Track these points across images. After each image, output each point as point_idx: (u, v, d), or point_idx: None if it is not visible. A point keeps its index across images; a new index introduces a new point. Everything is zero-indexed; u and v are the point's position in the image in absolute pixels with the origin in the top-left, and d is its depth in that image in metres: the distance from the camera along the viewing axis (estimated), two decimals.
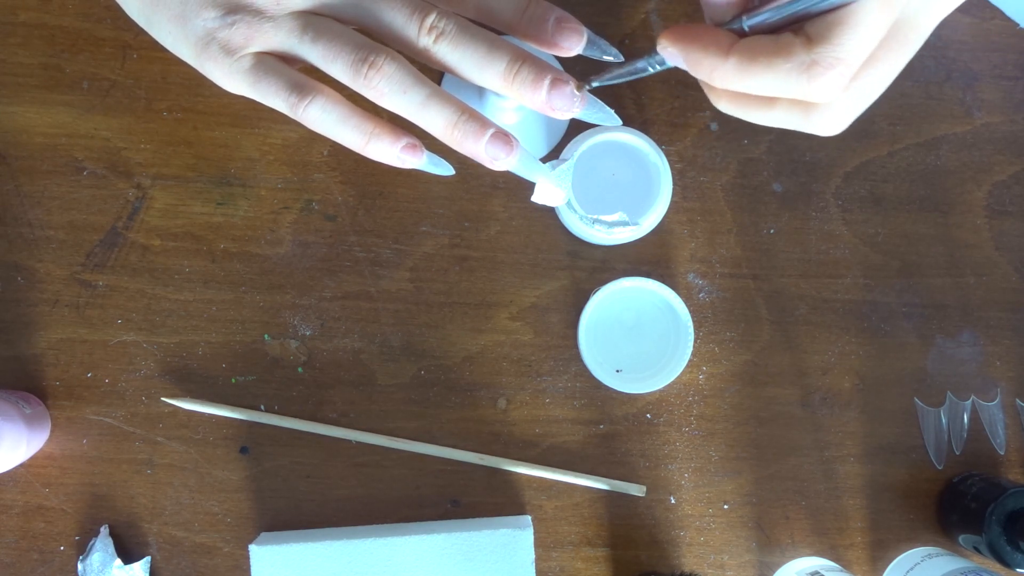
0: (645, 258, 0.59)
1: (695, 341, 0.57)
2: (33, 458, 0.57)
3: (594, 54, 0.44)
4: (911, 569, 0.56)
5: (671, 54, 0.40)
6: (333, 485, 0.58)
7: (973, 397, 0.60)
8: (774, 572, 0.59)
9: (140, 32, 0.50)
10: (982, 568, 0.53)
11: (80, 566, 0.56)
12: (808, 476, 0.60)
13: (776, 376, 0.60)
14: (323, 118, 0.44)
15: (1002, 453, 0.60)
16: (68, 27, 0.57)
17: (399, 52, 0.43)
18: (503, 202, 0.59)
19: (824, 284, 0.60)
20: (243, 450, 0.58)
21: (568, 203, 0.54)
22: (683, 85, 0.60)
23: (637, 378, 0.57)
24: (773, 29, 0.39)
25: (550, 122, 0.59)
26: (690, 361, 0.58)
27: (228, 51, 0.44)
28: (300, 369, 0.58)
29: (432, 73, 0.56)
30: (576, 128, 0.58)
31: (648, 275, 0.57)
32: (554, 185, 0.46)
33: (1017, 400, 0.60)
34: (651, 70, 0.42)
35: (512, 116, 0.56)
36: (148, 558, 0.57)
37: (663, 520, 0.59)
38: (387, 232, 0.59)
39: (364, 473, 0.58)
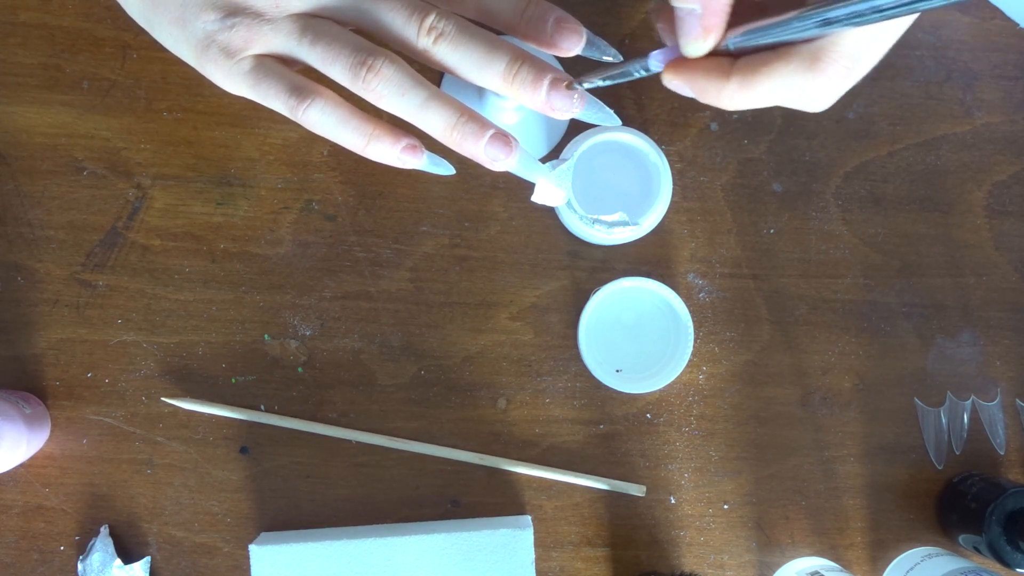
0: (645, 258, 0.59)
1: (695, 341, 0.57)
2: (33, 458, 0.57)
3: (593, 54, 0.44)
4: (911, 569, 0.56)
5: (677, 86, 0.41)
6: (333, 485, 0.58)
7: (973, 397, 0.60)
8: (774, 572, 0.59)
9: (140, 32, 0.50)
10: (982, 568, 0.53)
11: (80, 566, 0.56)
12: (808, 476, 0.60)
13: (776, 376, 0.60)
14: (323, 120, 0.44)
15: (1002, 453, 0.60)
16: (68, 27, 0.57)
17: (399, 53, 0.43)
18: (503, 202, 0.59)
19: (824, 284, 0.60)
20: (243, 450, 0.58)
21: (568, 203, 0.54)
22: None
23: (637, 378, 0.57)
24: (758, 51, 0.39)
25: (550, 122, 0.59)
26: (690, 361, 0.58)
27: (228, 53, 0.44)
28: (300, 369, 0.58)
29: (432, 74, 0.56)
30: (576, 128, 0.58)
31: (648, 275, 0.57)
32: (554, 185, 0.46)
33: (1017, 400, 0.60)
34: (636, 75, 0.43)
35: (512, 116, 0.56)
36: (148, 558, 0.57)
37: (663, 520, 0.59)
38: (387, 232, 0.59)
39: (364, 473, 0.58)
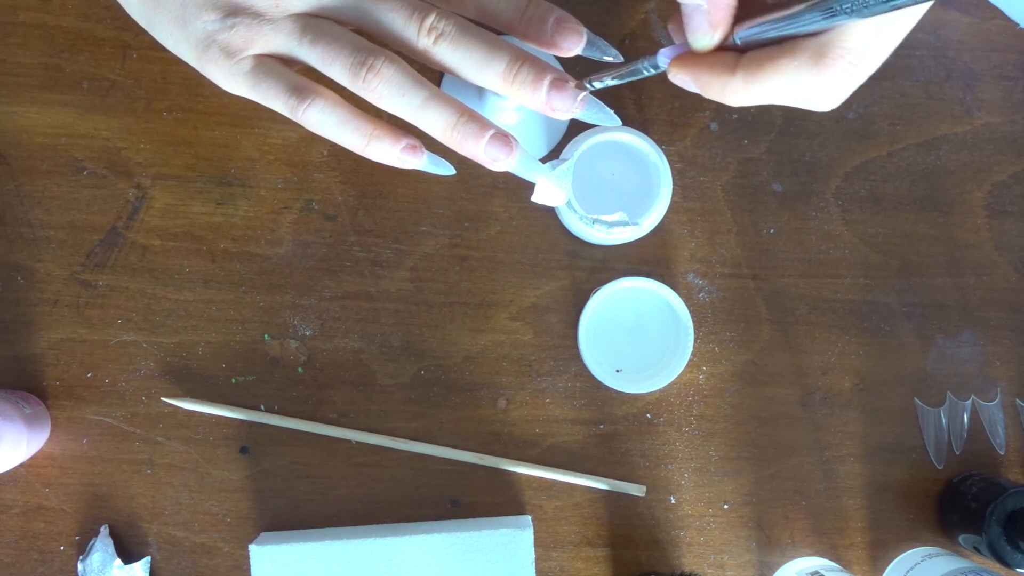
0: (645, 258, 0.59)
1: (695, 341, 0.57)
2: (33, 458, 0.57)
3: (594, 55, 0.44)
4: (911, 569, 0.56)
5: (682, 80, 0.41)
6: (333, 485, 0.58)
7: (973, 397, 0.60)
8: (774, 572, 0.59)
9: (140, 32, 0.50)
10: (982, 568, 0.53)
11: (80, 566, 0.56)
12: (808, 476, 0.60)
13: (776, 376, 0.60)
14: (323, 120, 0.44)
15: (1002, 453, 0.60)
16: (68, 27, 0.57)
17: (399, 53, 0.43)
18: (503, 202, 0.59)
19: (824, 284, 0.60)
20: (243, 450, 0.58)
21: (568, 203, 0.54)
22: None
23: (637, 378, 0.57)
24: (764, 45, 0.39)
25: (550, 122, 0.59)
26: (690, 361, 0.58)
27: (228, 53, 0.44)
28: (300, 369, 0.58)
29: (432, 74, 0.56)
30: (576, 128, 0.58)
31: (648, 275, 0.57)
32: (554, 185, 0.46)
33: (1017, 400, 0.60)
34: (645, 73, 0.42)
35: (512, 116, 0.56)
36: (148, 558, 0.57)
37: (663, 520, 0.59)
38: (387, 232, 0.59)
39: (364, 473, 0.58)
